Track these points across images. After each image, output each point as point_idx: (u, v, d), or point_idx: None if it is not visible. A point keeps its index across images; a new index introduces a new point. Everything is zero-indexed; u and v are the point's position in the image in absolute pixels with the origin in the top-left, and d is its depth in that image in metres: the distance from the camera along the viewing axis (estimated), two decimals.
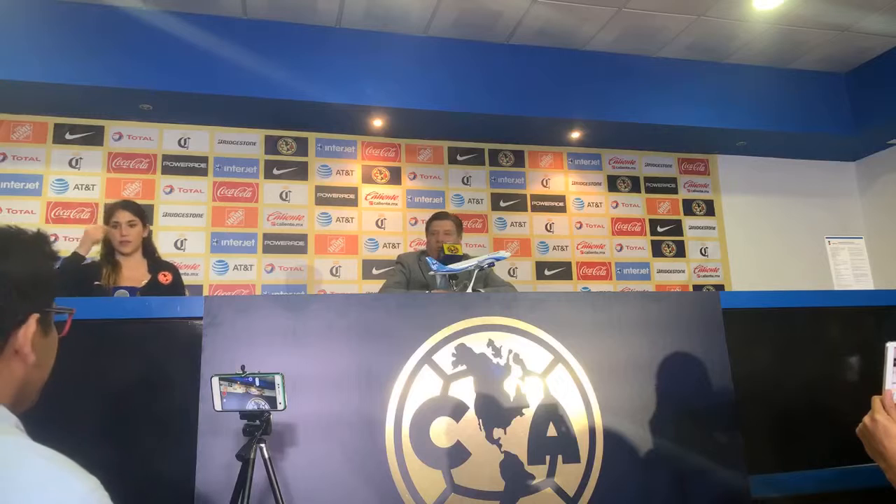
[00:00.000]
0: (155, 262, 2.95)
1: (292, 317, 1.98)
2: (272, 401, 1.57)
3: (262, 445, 1.58)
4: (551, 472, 2.03)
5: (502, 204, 5.13)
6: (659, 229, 5.40)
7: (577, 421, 2.09)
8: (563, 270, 5.11)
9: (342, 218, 4.78)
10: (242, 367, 1.60)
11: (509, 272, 4.97)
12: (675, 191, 5.51)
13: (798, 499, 2.23)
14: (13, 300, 0.79)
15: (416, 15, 4.27)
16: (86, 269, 2.78)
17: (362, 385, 1.97)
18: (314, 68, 4.28)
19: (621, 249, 5.27)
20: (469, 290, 2.43)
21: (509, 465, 2.01)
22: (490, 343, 2.10)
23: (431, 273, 2.68)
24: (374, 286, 4.55)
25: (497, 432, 2.03)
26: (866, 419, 1.08)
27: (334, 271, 4.67)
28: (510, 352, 2.11)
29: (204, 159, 4.60)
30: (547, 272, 5.08)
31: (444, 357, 2.06)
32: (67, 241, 4.09)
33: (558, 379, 2.12)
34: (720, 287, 5.35)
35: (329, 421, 1.92)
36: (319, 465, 1.88)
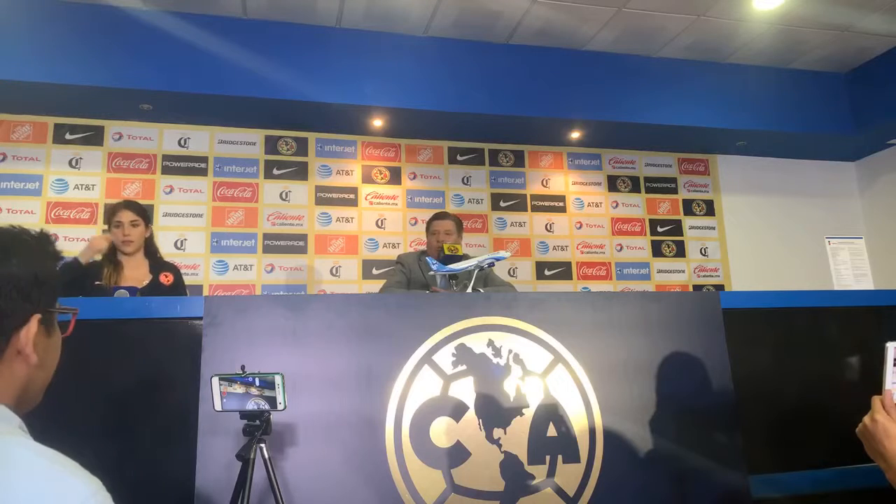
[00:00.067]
0: (157, 263, 2.95)
1: (292, 317, 1.98)
2: (272, 401, 1.57)
3: (262, 445, 1.58)
4: (551, 472, 2.03)
5: (502, 204, 5.13)
6: (659, 229, 5.40)
7: (577, 421, 2.09)
8: (563, 270, 5.11)
9: (342, 218, 4.78)
10: (242, 367, 1.60)
11: (509, 272, 4.97)
12: (675, 191, 5.51)
13: (798, 499, 2.23)
14: (14, 301, 0.79)
15: (416, 15, 4.27)
16: (86, 268, 2.78)
17: (362, 385, 1.97)
18: (314, 68, 4.28)
19: (621, 249, 5.27)
20: (469, 290, 2.43)
21: (509, 465, 2.01)
22: (490, 343, 2.10)
23: (431, 273, 2.68)
24: (374, 286, 4.55)
25: (497, 432, 2.03)
26: (866, 419, 1.08)
27: (334, 271, 4.67)
28: (510, 352, 2.11)
29: (204, 159, 4.60)
30: (547, 272, 5.08)
31: (444, 357, 2.06)
32: (67, 241, 4.09)
33: (558, 379, 2.12)
34: (720, 287, 5.35)
35: (329, 421, 1.92)
36: (319, 465, 1.88)
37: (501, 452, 2.02)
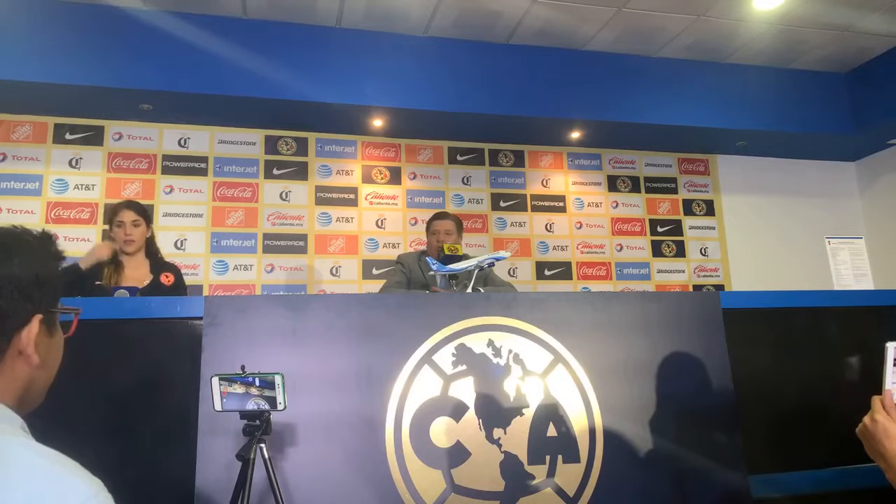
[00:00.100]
0: (158, 263, 2.95)
1: (292, 317, 1.98)
2: (272, 401, 1.57)
3: (262, 445, 1.58)
4: (551, 472, 2.03)
5: (502, 204, 5.13)
6: (659, 229, 5.40)
7: (577, 421, 2.09)
8: (563, 270, 5.11)
9: (342, 218, 4.78)
10: (242, 367, 1.60)
11: (509, 272, 4.97)
12: (675, 191, 5.51)
13: (798, 499, 2.23)
14: (15, 301, 0.79)
15: (416, 15, 4.27)
16: (85, 273, 2.78)
17: (362, 385, 1.97)
18: (314, 68, 4.28)
19: (621, 249, 5.27)
20: (469, 290, 2.43)
21: (509, 465, 2.01)
22: (490, 343, 2.10)
23: (431, 273, 2.68)
24: (374, 286, 4.55)
25: (497, 432, 2.03)
26: (866, 419, 1.08)
27: (334, 271, 4.68)
28: (510, 352, 2.11)
29: (204, 159, 4.60)
30: (547, 272, 5.08)
31: (444, 357, 2.06)
32: (68, 241, 4.09)
33: (558, 379, 2.12)
34: (720, 287, 5.35)
35: (329, 421, 1.92)
36: (319, 465, 1.88)
37: (501, 452, 2.02)
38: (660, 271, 5.31)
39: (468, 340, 2.09)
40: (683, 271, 5.35)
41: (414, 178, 5.00)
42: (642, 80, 4.81)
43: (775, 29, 4.54)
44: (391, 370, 2.00)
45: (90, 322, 1.83)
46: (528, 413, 2.07)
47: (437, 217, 3.39)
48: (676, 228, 5.44)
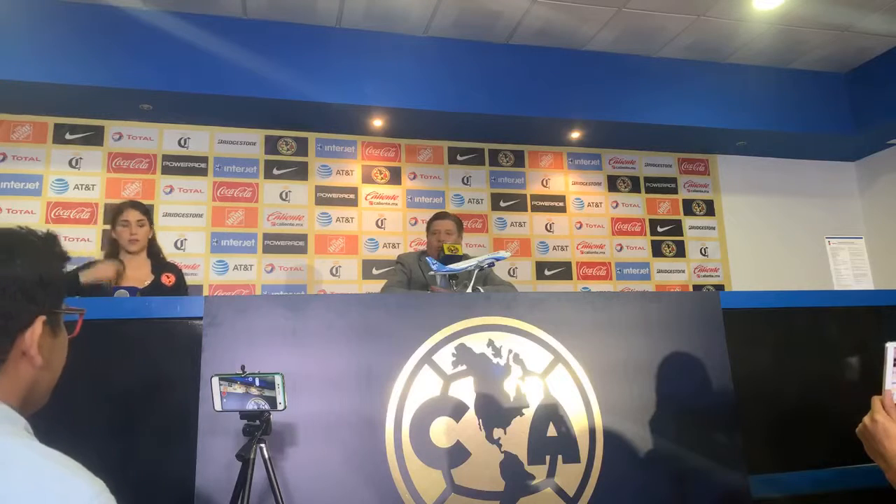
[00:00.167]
0: (159, 263, 2.95)
1: (292, 317, 1.98)
2: (272, 401, 1.57)
3: (262, 445, 1.58)
4: (551, 472, 2.03)
5: (502, 204, 5.13)
6: (659, 229, 5.40)
7: (577, 421, 2.09)
8: (563, 270, 5.11)
9: (342, 218, 4.78)
10: (242, 367, 1.60)
11: (509, 272, 4.97)
12: (675, 191, 5.51)
13: (798, 499, 2.23)
14: (19, 302, 0.79)
15: (416, 15, 4.27)
16: (82, 286, 2.77)
17: (362, 385, 1.97)
18: (314, 68, 4.28)
19: (621, 249, 5.27)
20: (469, 290, 2.43)
21: (509, 465, 2.01)
22: (490, 343, 2.10)
23: (431, 273, 2.68)
24: (374, 286, 4.55)
25: (497, 432, 2.03)
26: (866, 419, 1.08)
27: (334, 271, 4.68)
28: (510, 352, 2.11)
29: (204, 159, 4.60)
30: (547, 272, 5.08)
31: (444, 357, 2.06)
32: (68, 241, 4.08)
33: (558, 379, 2.12)
34: (720, 287, 5.35)
35: (329, 421, 1.92)
36: (319, 465, 1.88)
37: (501, 452, 2.02)
38: (660, 271, 5.31)
39: (468, 340, 2.09)
40: (683, 271, 5.35)
41: (414, 178, 5.00)
42: (642, 80, 4.81)
43: (775, 29, 4.54)
44: (391, 370, 2.00)
45: (90, 322, 1.82)
46: (528, 413, 2.07)
47: (437, 217, 3.40)
48: (676, 228, 5.44)
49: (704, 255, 5.43)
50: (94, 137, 4.43)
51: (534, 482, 2.01)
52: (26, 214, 4.20)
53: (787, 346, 2.43)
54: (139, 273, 2.86)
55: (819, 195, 5.70)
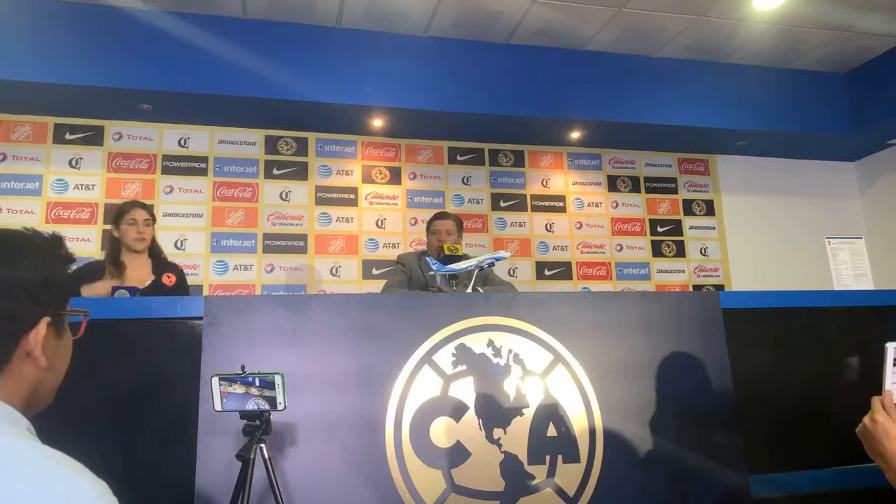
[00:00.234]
0: (160, 263, 2.95)
1: (292, 317, 1.98)
2: (272, 401, 1.57)
3: (262, 445, 1.58)
4: (551, 472, 2.03)
5: (502, 204, 5.13)
6: (659, 229, 5.40)
7: (577, 421, 2.09)
8: (563, 270, 5.11)
9: (342, 218, 4.78)
10: (242, 367, 1.60)
11: (509, 272, 4.97)
12: (675, 191, 5.51)
13: (798, 499, 2.23)
14: (23, 303, 0.79)
15: (416, 15, 4.27)
16: (88, 269, 2.78)
17: (362, 385, 1.97)
18: (314, 68, 4.28)
19: (621, 249, 5.27)
20: (469, 290, 2.43)
21: (509, 465, 2.01)
22: (490, 343, 2.10)
23: (431, 273, 2.68)
24: (374, 286, 4.55)
25: (497, 432, 2.03)
26: (866, 420, 1.08)
27: (334, 271, 4.68)
28: (510, 352, 2.11)
29: (204, 159, 4.60)
30: (547, 272, 5.08)
31: (444, 357, 2.06)
32: (68, 241, 4.08)
33: (558, 379, 2.12)
34: (720, 287, 5.35)
35: (329, 421, 1.92)
36: (319, 465, 1.88)
37: (501, 452, 2.02)
38: (660, 271, 5.31)
39: (468, 340, 2.09)
40: (683, 271, 5.35)
41: (414, 178, 5.00)
42: (642, 80, 4.81)
43: (775, 29, 4.54)
44: (391, 370, 2.00)
45: (90, 322, 1.83)
46: (528, 413, 2.07)
47: (437, 217, 3.40)
48: (676, 228, 5.44)
49: (704, 255, 5.43)
50: (94, 137, 4.43)
51: (534, 482, 2.01)
52: (26, 214, 4.20)
53: (787, 346, 2.43)
54: (140, 273, 2.86)
55: (819, 195, 5.70)
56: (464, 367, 2.06)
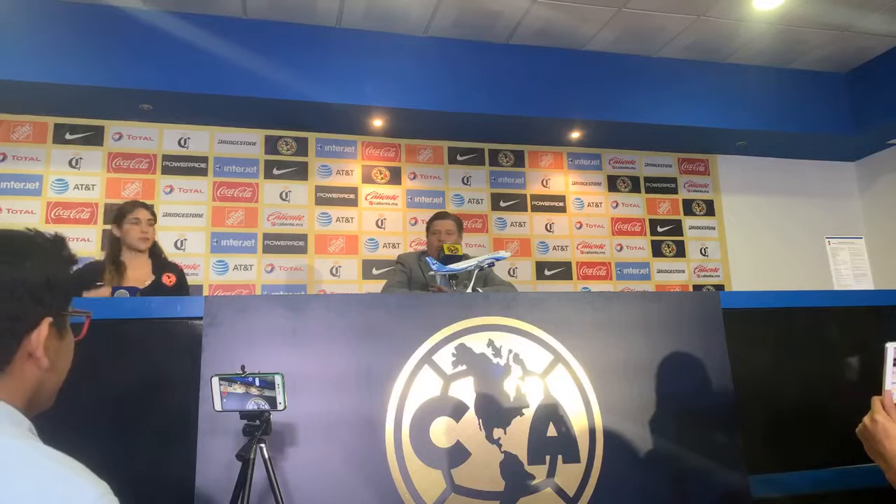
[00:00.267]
0: (160, 263, 2.95)
1: (292, 317, 1.98)
2: (272, 401, 1.57)
3: (262, 445, 1.58)
4: (551, 472, 2.03)
5: (502, 204, 5.13)
6: (659, 229, 5.40)
7: (577, 421, 2.09)
8: (563, 270, 5.11)
9: (342, 218, 4.78)
10: (242, 367, 1.60)
11: (509, 272, 4.97)
12: (675, 191, 5.51)
13: (798, 499, 2.23)
14: (26, 304, 0.79)
15: (416, 15, 4.27)
16: (87, 271, 2.78)
17: (362, 385, 1.97)
18: (314, 68, 4.28)
19: (621, 249, 5.27)
20: (469, 290, 2.43)
21: (509, 465, 2.01)
22: (490, 343, 2.10)
23: (431, 273, 2.68)
24: (374, 286, 4.55)
25: (497, 432, 2.03)
26: (866, 420, 1.08)
27: (334, 271, 4.68)
28: (510, 352, 2.11)
29: (204, 159, 4.60)
30: (547, 272, 5.08)
31: (444, 357, 2.06)
32: (68, 241, 4.08)
33: (558, 379, 2.12)
34: (720, 287, 5.35)
35: (329, 421, 1.92)
36: (319, 465, 1.88)
37: (501, 452, 2.02)
38: (660, 271, 5.31)
39: (468, 340, 2.09)
40: (683, 271, 5.35)
41: (414, 178, 5.00)
42: (642, 80, 4.81)
43: (775, 29, 4.54)
44: (391, 370, 2.00)
45: (90, 322, 1.83)
46: (528, 413, 2.07)
47: (437, 217, 3.39)
48: (676, 228, 5.44)
49: (704, 255, 5.43)
50: (94, 137, 4.43)
51: (534, 482, 2.01)
52: (26, 214, 4.20)
53: (787, 346, 2.43)
54: (140, 273, 2.86)
55: (819, 195, 5.70)
56: (464, 367, 2.06)
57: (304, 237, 4.66)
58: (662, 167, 5.53)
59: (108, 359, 1.90)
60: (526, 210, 5.15)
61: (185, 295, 2.97)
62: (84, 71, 3.88)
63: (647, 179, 5.47)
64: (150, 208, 2.97)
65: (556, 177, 5.28)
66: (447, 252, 2.71)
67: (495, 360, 2.09)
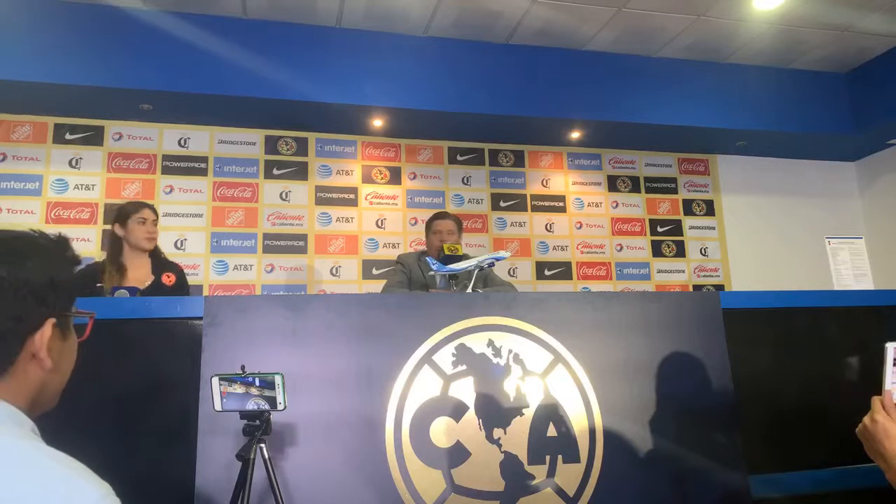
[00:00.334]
0: (160, 263, 2.95)
1: (292, 317, 1.98)
2: (272, 401, 1.57)
3: (262, 445, 1.58)
4: (551, 472, 2.03)
5: (502, 204, 5.13)
6: (659, 229, 5.40)
7: (577, 421, 2.09)
8: (563, 270, 5.11)
9: (342, 218, 4.78)
10: (242, 367, 1.60)
11: (509, 272, 4.97)
12: (675, 191, 5.51)
13: (798, 499, 2.23)
14: (29, 304, 0.79)
15: (416, 15, 4.27)
16: (87, 271, 2.77)
17: (362, 385, 1.97)
18: (314, 68, 4.28)
19: (621, 249, 5.27)
20: (469, 290, 2.43)
21: (509, 465, 2.01)
22: (490, 343, 2.10)
23: (431, 273, 2.68)
24: (374, 286, 4.55)
25: (497, 432, 2.03)
26: (866, 420, 1.08)
27: (334, 271, 4.68)
28: (510, 352, 2.11)
29: (204, 159, 4.60)
30: (547, 272, 5.08)
31: (444, 357, 2.06)
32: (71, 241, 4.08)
33: (558, 379, 2.12)
34: (720, 287, 5.35)
35: (329, 421, 1.92)
36: (319, 465, 1.88)
37: (501, 452, 2.02)
38: (660, 271, 5.31)
39: (468, 340, 2.09)
40: (683, 271, 5.35)
41: (414, 178, 5.00)
42: (642, 80, 4.81)
43: (775, 29, 4.54)
44: (391, 370, 2.00)
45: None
46: (528, 413, 2.07)
47: (437, 217, 3.39)
48: (676, 228, 5.44)
49: (704, 255, 5.43)
50: (94, 137, 4.43)
51: (534, 482, 2.01)
52: (26, 214, 4.20)
53: (787, 346, 2.43)
54: (140, 273, 2.86)
55: (819, 195, 5.70)
56: (464, 367, 2.06)
57: (304, 237, 4.66)
58: (662, 167, 5.53)
59: (108, 359, 1.90)
60: (526, 210, 5.15)
61: (185, 295, 2.97)
62: (84, 71, 3.88)
63: (647, 179, 5.47)
64: (153, 208, 2.98)
65: (556, 177, 5.28)
66: (447, 252, 2.71)
67: (495, 360, 2.09)
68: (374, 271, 4.73)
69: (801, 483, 2.25)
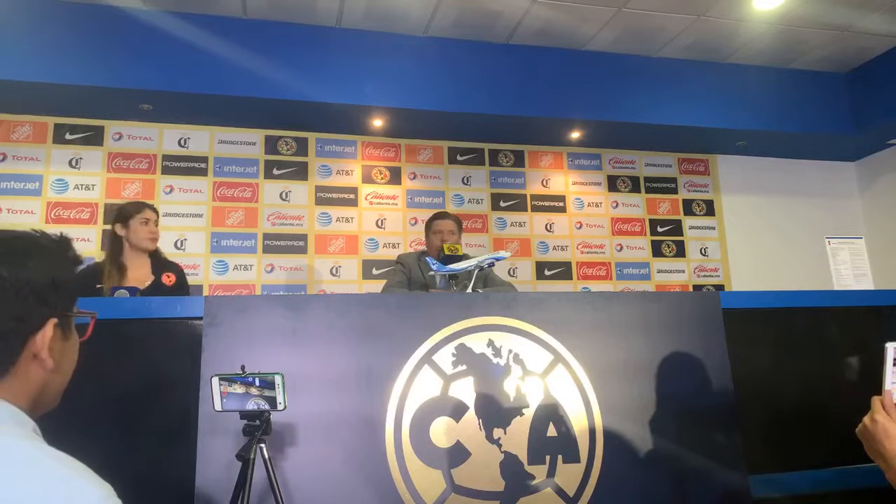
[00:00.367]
0: (159, 263, 2.95)
1: (292, 317, 1.98)
2: (272, 401, 1.57)
3: (262, 445, 1.58)
4: (551, 472, 2.03)
5: (502, 204, 5.13)
6: (659, 229, 5.40)
7: (577, 421, 2.09)
8: (563, 270, 5.11)
9: (342, 218, 4.78)
10: (242, 367, 1.60)
11: (509, 272, 4.97)
12: (675, 191, 5.51)
13: (798, 499, 2.23)
14: (31, 304, 0.79)
15: (416, 15, 4.27)
16: (87, 272, 2.77)
17: (362, 385, 1.97)
18: (314, 68, 4.28)
19: (621, 249, 5.27)
20: (469, 290, 2.43)
21: (509, 465, 2.01)
22: (490, 343, 2.10)
23: (431, 273, 2.68)
24: (374, 286, 4.55)
25: (497, 432, 2.03)
26: (866, 420, 1.08)
27: (334, 271, 4.68)
28: (510, 352, 2.11)
29: (204, 159, 4.60)
30: (547, 272, 5.08)
31: (444, 357, 2.06)
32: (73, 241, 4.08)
33: (558, 379, 2.12)
34: (720, 287, 5.35)
35: (329, 421, 1.92)
36: (319, 465, 1.88)
37: (501, 452, 2.02)
38: (660, 271, 5.31)
39: (468, 340, 2.09)
40: (683, 271, 5.35)
41: (414, 178, 5.00)
42: (642, 80, 4.81)
43: (775, 29, 4.54)
44: (391, 370, 2.00)
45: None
46: (528, 413, 2.07)
47: (437, 217, 3.39)
48: (676, 228, 5.44)
49: (704, 255, 5.43)
50: (94, 137, 4.43)
51: (534, 482, 2.01)
52: (26, 214, 4.20)
53: (787, 346, 2.43)
54: (140, 273, 2.86)
55: (819, 195, 5.70)
56: (464, 367, 2.06)
57: (304, 237, 4.66)
58: (662, 167, 5.53)
59: (108, 359, 1.90)
60: (526, 210, 5.15)
61: (185, 295, 2.97)
62: (84, 71, 3.88)
63: (647, 179, 5.47)
64: (154, 208, 2.99)
65: (556, 177, 5.28)
66: (447, 252, 2.71)
67: (495, 360, 2.09)
68: (374, 271, 4.73)
69: (801, 483, 2.25)
